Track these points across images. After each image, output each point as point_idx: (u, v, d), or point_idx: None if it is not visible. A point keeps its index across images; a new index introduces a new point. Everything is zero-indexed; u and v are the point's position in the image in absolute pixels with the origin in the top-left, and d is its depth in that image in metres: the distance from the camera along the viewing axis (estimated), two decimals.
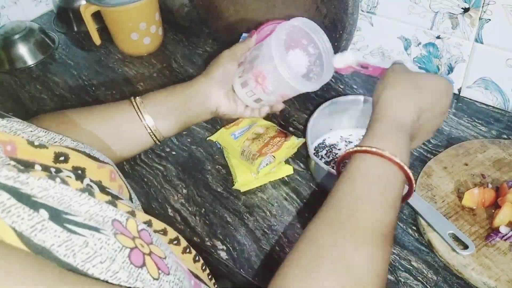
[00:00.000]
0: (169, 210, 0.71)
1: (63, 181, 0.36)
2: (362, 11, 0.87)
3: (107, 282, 0.32)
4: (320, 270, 0.40)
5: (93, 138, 0.61)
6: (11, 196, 0.30)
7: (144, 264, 0.35)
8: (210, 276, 0.53)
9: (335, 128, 0.78)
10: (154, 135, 0.65)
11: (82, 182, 0.42)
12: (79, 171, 0.45)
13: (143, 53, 1.03)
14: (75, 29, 1.14)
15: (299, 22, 0.65)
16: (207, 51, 1.04)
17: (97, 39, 1.01)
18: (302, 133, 0.81)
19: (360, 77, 0.92)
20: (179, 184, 0.75)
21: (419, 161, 0.74)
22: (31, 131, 0.45)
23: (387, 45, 0.89)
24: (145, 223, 0.44)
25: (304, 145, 0.74)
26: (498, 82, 0.80)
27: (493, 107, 0.83)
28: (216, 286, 0.54)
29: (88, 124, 0.61)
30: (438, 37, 0.81)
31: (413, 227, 0.65)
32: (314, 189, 0.72)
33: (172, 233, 0.48)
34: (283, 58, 0.62)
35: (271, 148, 0.72)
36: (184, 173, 0.77)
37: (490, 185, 0.67)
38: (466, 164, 0.71)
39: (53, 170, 0.40)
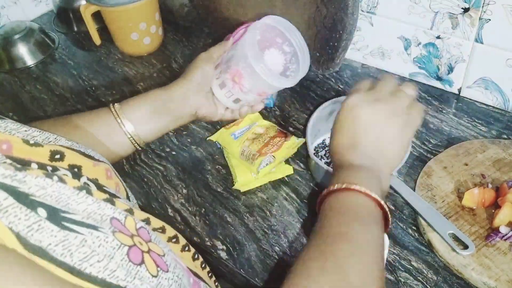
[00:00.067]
0: (169, 210, 0.71)
1: (61, 180, 0.36)
2: (362, 11, 0.87)
3: (104, 280, 0.32)
4: None
5: None
6: (9, 195, 0.30)
7: (142, 262, 0.35)
8: (210, 274, 0.53)
9: None
10: (135, 141, 0.65)
11: (79, 180, 0.42)
12: (75, 169, 0.45)
13: (143, 53, 1.03)
14: (75, 29, 1.14)
15: (271, 20, 0.66)
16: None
17: (97, 39, 1.01)
18: (302, 133, 0.81)
19: (360, 77, 0.92)
20: (179, 184, 0.75)
21: (419, 161, 0.74)
22: (26, 131, 0.45)
23: (387, 45, 0.89)
24: (143, 221, 0.44)
25: (304, 145, 0.74)
26: (498, 82, 0.80)
27: (493, 107, 0.83)
28: (216, 284, 0.54)
29: (65, 132, 0.61)
30: (438, 37, 0.81)
31: (413, 227, 0.65)
32: (314, 189, 0.72)
33: (170, 231, 0.48)
34: (257, 55, 0.62)
35: (271, 148, 0.72)
36: (184, 173, 0.77)
37: (490, 185, 0.67)
38: (466, 164, 0.71)
39: (49, 168, 0.40)
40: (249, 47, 0.62)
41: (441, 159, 0.72)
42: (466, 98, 0.85)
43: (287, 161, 0.75)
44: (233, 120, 0.77)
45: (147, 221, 0.45)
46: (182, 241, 0.49)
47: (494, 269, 0.58)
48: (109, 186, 0.46)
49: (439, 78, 0.87)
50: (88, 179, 0.43)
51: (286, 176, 0.74)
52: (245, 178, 0.72)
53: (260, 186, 0.73)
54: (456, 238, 0.60)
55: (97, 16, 0.98)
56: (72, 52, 1.08)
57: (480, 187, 0.65)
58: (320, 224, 0.47)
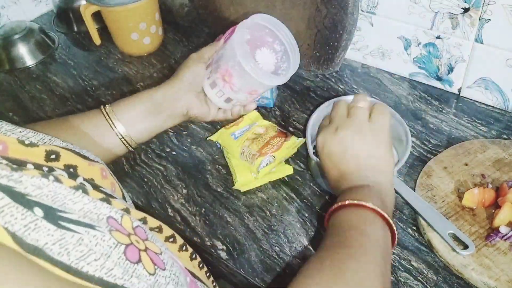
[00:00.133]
0: (169, 210, 0.71)
1: (57, 179, 0.36)
2: (362, 11, 0.87)
3: (102, 279, 0.32)
4: None
5: None
6: (5, 195, 0.30)
7: (139, 260, 0.35)
8: (208, 274, 0.53)
9: None
10: (127, 142, 0.65)
11: (75, 180, 0.42)
12: (71, 169, 0.45)
13: (143, 53, 1.03)
14: (75, 29, 1.14)
15: (259, 19, 0.66)
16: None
17: (97, 39, 1.01)
18: (302, 133, 0.81)
19: (360, 77, 0.92)
20: (179, 184, 0.75)
21: (419, 161, 0.74)
22: (21, 132, 0.45)
23: (387, 45, 0.89)
24: (140, 220, 0.44)
25: (304, 145, 0.74)
26: (498, 82, 0.80)
27: (493, 107, 0.83)
28: (214, 284, 0.54)
29: (59, 134, 0.61)
30: (438, 37, 0.81)
31: (413, 227, 0.65)
32: (314, 189, 0.72)
33: (167, 231, 0.48)
34: (246, 53, 0.62)
35: (271, 148, 0.72)
36: (184, 173, 0.77)
37: (490, 185, 0.67)
38: (466, 164, 0.71)
39: (45, 169, 0.40)
40: (237, 46, 0.62)
41: (441, 159, 0.72)
42: (466, 98, 0.85)
43: (287, 161, 0.75)
44: (227, 120, 0.76)
45: (143, 221, 0.45)
46: (180, 240, 0.49)
47: (494, 269, 0.58)
48: (104, 186, 0.46)
49: (439, 78, 0.87)
50: (84, 179, 0.43)
51: (286, 176, 0.74)
52: (245, 178, 0.72)
53: (260, 186, 0.73)
54: (456, 238, 0.60)
55: (97, 16, 0.98)
56: (72, 52, 1.08)
57: (480, 187, 0.65)
58: (324, 239, 0.50)
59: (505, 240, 0.60)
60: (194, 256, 0.51)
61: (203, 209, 0.71)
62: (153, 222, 0.46)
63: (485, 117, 0.81)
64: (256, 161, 0.70)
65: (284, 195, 0.72)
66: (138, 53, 1.03)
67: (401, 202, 0.68)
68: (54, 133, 0.58)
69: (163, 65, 1.01)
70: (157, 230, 0.46)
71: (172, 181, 0.76)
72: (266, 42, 0.69)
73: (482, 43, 0.77)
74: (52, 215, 0.32)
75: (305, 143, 0.73)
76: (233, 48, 0.62)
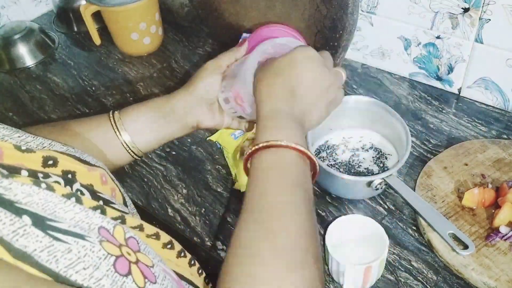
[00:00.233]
0: (169, 210, 0.71)
1: (49, 187, 0.35)
2: (362, 11, 0.87)
3: None
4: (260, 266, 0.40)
5: None
6: None
7: (129, 273, 0.34)
8: (207, 280, 0.53)
9: (335, 128, 0.78)
10: (132, 151, 0.63)
11: (71, 187, 0.42)
12: (69, 175, 0.44)
13: (143, 53, 1.03)
14: (75, 29, 1.14)
15: (283, 41, 0.61)
16: (207, 51, 1.04)
17: (97, 39, 1.01)
18: None
19: (360, 77, 0.92)
20: (179, 184, 0.75)
21: (419, 161, 0.74)
22: (19, 137, 0.44)
23: (387, 45, 0.89)
24: (136, 227, 0.43)
25: None
26: (498, 82, 0.80)
27: (493, 107, 0.83)
28: None
29: (64, 139, 0.60)
30: (438, 37, 0.81)
31: (413, 227, 0.65)
32: (314, 189, 0.72)
33: (165, 237, 0.47)
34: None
35: None
36: (184, 173, 0.77)
37: (490, 185, 0.67)
38: (466, 164, 0.71)
39: (40, 175, 0.40)
40: (249, 76, 0.58)
41: (441, 159, 0.72)
42: (466, 98, 0.85)
43: None
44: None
45: (140, 228, 0.44)
46: (178, 247, 0.49)
47: (494, 269, 0.58)
48: (104, 192, 0.46)
49: (439, 78, 0.87)
50: (81, 185, 0.43)
51: None
52: (245, 178, 0.72)
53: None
54: (456, 238, 0.60)
55: (97, 16, 0.98)
56: (72, 52, 1.08)
57: (480, 187, 0.65)
58: (248, 189, 0.48)
59: (505, 240, 0.60)
60: (193, 262, 0.50)
61: (203, 209, 0.71)
62: (150, 229, 0.45)
63: (485, 117, 0.81)
64: None
65: None
66: (138, 53, 1.03)
67: (401, 202, 0.68)
68: (60, 137, 0.57)
69: (163, 65, 1.01)
70: (154, 237, 0.46)
71: (172, 181, 0.76)
72: None
73: (482, 43, 0.77)
74: (41, 223, 0.31)
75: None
76: (244, 76, 0.58)
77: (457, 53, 0.81)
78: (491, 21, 0.74)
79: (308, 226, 0.44)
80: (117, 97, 0.94)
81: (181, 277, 0.46)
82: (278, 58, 0.55)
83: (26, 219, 0.31)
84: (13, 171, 0.37)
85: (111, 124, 0.63)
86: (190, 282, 0.47)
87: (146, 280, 0.36)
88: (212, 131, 0.81)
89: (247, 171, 0.51)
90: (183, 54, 1.04)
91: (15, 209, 0.31)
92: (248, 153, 0.50)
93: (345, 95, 0.80)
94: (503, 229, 0.61)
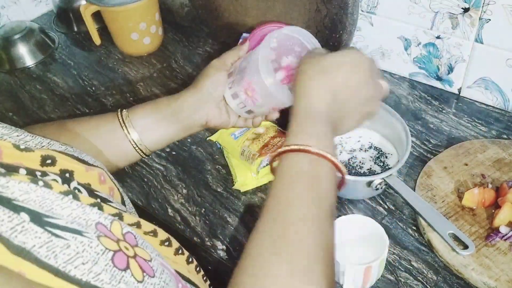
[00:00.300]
0: (169, 210, 0.71)
1: (46, 184, 0.35)
2: (362, 11, 0.87)
3: (89, 283, 0.31)
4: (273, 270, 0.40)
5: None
6: None
7: (128, 267, 0.34)
8: (205, 278, 0.53)
9: None
10: (140, 149, 0.63)
11: (69, 185, 0.42)
12: (67, 174, 0.44)
13: (143, 53, 1.03)
14: (75, 29, 1.14)
15: (288, 31, 0.62)
16: (207, 51, 1.04)
17: (97, 39, 1.01)
18: None
19: None
20: (179, 184, 0.75)
21: (419, 161, 0.74)
22: (18, 136, 0.45)
23: (387, 45, 0.89)
24: (133, 225, 0.43)
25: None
26: (498, 82, 0.80)
27: (493, 107, 0.83)
28: (211, 287, 0.54)
29: (71, 136, 0.60)
30: (438, 37, 0.81)
31: (413, 227, 0.65)
32: None
33: (162, 235, 0.47)
34: (270, 72, 0.59)
35: (271, 148, 0.72)
36: (184, 173, 0.77)
37: (490, 185, 0.67)
38: (466, 164, 0.71)
39: (38, 173, 0.40)
40: (262, 64, 0.58)
41: (441, 159, 0.72)
42: (466, 98, 0.85)
43: None
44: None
45: (137, 225, 0.44)
46: (175, 244, 0.49)
47: (494, 269, 0.58)
48: (101, 191, 0.46)
49: (439, 78, 0.87)
50: (79, 183, 0.43)
51: None
52: (245, 178, 0.72)
53: (260, 186, 0.73)
54: (456, 238, 0.60)
55: (97, 16, 0.98)
56: (72, 52, 1.08)
57: (480, 187, 0.65)
58: (273, 189, 0.46)
59: (505, 240, 0.60)
60: (190, 259, 0.50)
61: (203, 209, 0.71)
62: (147, 226, 0.45)
63: (485, 117, 0.81)
64: (256, 161, 0.70)
65: None
66: (138, 53, 1.03)
67: (401, 202, 0.68)
68: (64, 137, 0.57)
69: (163, 65, 1.01)
70: (151, 234, 0.46)
71: (172, 181, 0.76)
72: (293, 51, 0.63)
73: (482, 43, 0.77)
74: (39, 220, 0.32)
75: None
76: (257, 65, 0.58)
77: (457, 53, 0.81)
78: (491, 21, 0.74)
79: (326, 244, 0.42)
80: (117, 97, 0.94)
81: (179, 274, 0.46)
82: (327, 55, 0.52)
83: (24, 216, 0.31)
84: (11, 169, 0.38)
85: (119, 122, 0.63)
86: (187, 279, 0.47)
87: (145, 274, 0.36)
88: (212, 131, 0.81)
89: (273, 170, 0.49)
90: (183, 54, 1.04)
91: (13, 206, 0.31)
92: (276, 153, 0.48)
93: None
94: (503, 229, 0.61)
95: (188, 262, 0.50)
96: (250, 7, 0.90)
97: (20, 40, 1.03)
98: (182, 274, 0.46)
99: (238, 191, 0.73)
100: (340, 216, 0.62)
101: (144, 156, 0.65)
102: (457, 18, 0.77)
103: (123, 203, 0.52)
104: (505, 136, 0.77)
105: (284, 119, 0.83)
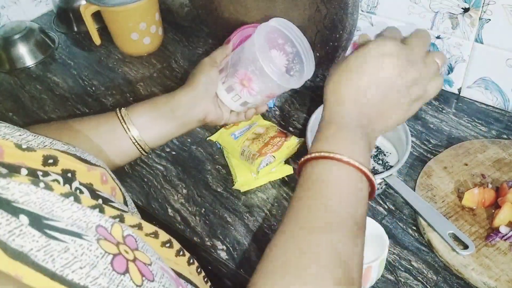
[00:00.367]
0: (169, 210, 0.71)
1: (47, 186, 0.35)
2: (362, 11, 0.87)
3: (87, 287, 0.31)
4: (286, 277, 0.40)
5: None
6: None
7: (127, 271, 0.34)
8: (206, 279, 0.53)
9: None
10: (140, 146, 0.65)
11: (70, 185, 0.42)
12: (69, 174, 0.44)
13: (143, 53, 1.03)
14: (75, 29, 1.14)
15: (275, 23, 0.65)
16: (207, 51, 1.04)
17: (97, 39, 1.01)
18: (302, 133, 0.81)
19: None
20: (179, 184, 0.75)
21: (419, 161, 0.74)
22: (20, 135, 0.45)
23: None
24: (134, 226, 0.43)
25: (304, 145, 0.74)
26: (498, 82, 0.80)
27: (493, 107, 0.83)
28: None
29: (69, 138, 0.61)
30: (438, 37, 0.81)
31: (413, 227, 0.65)
32: None
33: (164, 236, 0.47)
34: (268, 57, 0.62)
35: (271, 148, 0.72)
36: (184, 173, 0.77)
37: (490, 185, 0.67)
38: (466, 164, 0.71)
39: (40, 173, 0.40)
40: (259, 50, 0.61)
41: (441, 159, 0.72)
42: (466, 98, 0.85)
43: (287, 161, 0.75)
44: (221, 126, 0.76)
45: (138, 227, 0.44)
46: (176, 245, 0.49)
47: (494, 269, 0.58)
48: (104, 191, 0.46)
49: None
50: (80, 184, 0.43)
51: (286, 176, 0.74)
52: (245, 178, 0.72)
53: (260, 186, 0.73)
54: (456, 238, 0.60)
55: (97, 16, 0.98)
56: (72, 52, 1.08)
57: (480, 187, 0.65)
58: (295, 195, 0.46)
59: (505, 240, 0.60)
60: (191, 261, 0.50)
61: (203, 209, 0.71)
62: (148, 227, 0.45)
63: (485, 117, 0.81)
64: (256, 161, 0.70)
65: (284, 195, 0.72)
66: (138, 53, 1.03)
67: (401, 202, 0.68)
68: (65, 136, 0.57)
69: (163, 65, 1.01)
70: (153, 236, 0.46)
71: (172, 181, 0.76)
72: (277, 44, 0.68)
73: (482, 43, 0.77)
74: (38, 222, 0.31)
75: (305, 143, 0.73)
76: (254, 53, 0.62)
77: (457, 53, 0.81)
78: (491, 21, 0.74)
79: (347, 252, 0.41)
80: (117, 97, 0.94)
81: (180, 275, 0.46)
82: (351, 57, 0.49)
83: (23, 218, 0.31)
84: (13, 169, 0.37)
85: (119, 119, 0.64)
86: (189, 281, 0.47)
87: (144, 278, 0.36)
88: (212, 131, 0.81)
89: (299, 172, 0.49)
90: (183, 54, 1.04)
91: (12, 209, 0.31)
92: (304, 159, 0.47)
93: None
94: (503, 229, 0.61)
95: (189, 264, 0.50)
96: (250, 7, 0.90)
97: (20, 40, 1.03)
98: (183, 275, 0.46)
99: (238, 191, 0.73)
100: None
101: (144, 153, 0.66)
102: (457, 18, 0.77)
103: (125, 203, 0.52)
104: (505, 136, 0.77)
105: (283, 119, 0.84)
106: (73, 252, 0.32)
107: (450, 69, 0.84)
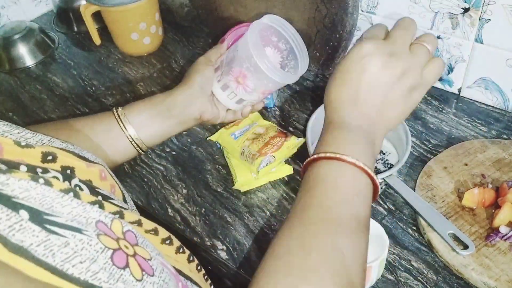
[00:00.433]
0: (169, 210, 0.71)
1: (46, 182, 0.36)
2: (362, 11, 0.87)
3: (87, 282, 0.31)
4: (288, 277, 0.40)
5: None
6: None
7: (127, 266, 0.34)
8: (206, 277, 0.53)
9: None
10: (137, 145, 0.66)
11: (70, 182, 0.42)
12: (68, 171, 0.44)
13: (143, 53, 1.03)
14: (75, 29, 1.14)
15: (268, 20, 0.66)
16: (207, 51, 1.04)
17: (97, 39, 1.01)
18: (302, 133, 0.81)
19: None
20: (179, 184, 0.75)
21: (419, 161, 0.74)
22: (19, 133, 0.45)
23: None
24: (134, 223, 0.43)
25: (304, 145, 0.74)
26: (498, 82, 0.80)
27: (493, 107, 0.83)
28: (212, 286, 0.54)
29: (66, 136, 0.60)
30: (438, 37, 0.81)
31: (413, 227, 0.65)
32: None
33: (163, 233, 0.47)
34: (262, 54, 0.63)
35: (271, 148, 0.72)
36: (184, 173, 0.77)
37: (490, 185, 0.67)
38: (466, 164, 0.71)
39: (39, 170, 0.40)
40: (253, 47, 0.62)
41: (441, 159, 0.72)
42: (466, 98, 0.85)
43: (287, 161, 0.75)
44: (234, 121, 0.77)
45: (138, 223, 0.44)
46: (176, 242, 0.49)
47: (494, 269, 0.58)
48: (103, 188, 0.46)
49: (439, 78, 0.87)
50: (80, 180, 0.43)
51: (286, 176, 0.74)
52: (245, 178, 0.72)
53: (260, 186, 0.73)
54: (456, 238, 0.60)
55: (97, 16, 0.98)
56: (72, 52, 1.08)
57: (480, 187, 0.65)
58: (299, 196, 0.46)
59: (505, 240, 0.60)
60: (191, 258, 0.51)
61: (203, 209, 0.71)
62: (148, 224, 0.46)
63: (485, 117, 0.81)
64: (256, 161, 0.70)
65: (284, 195, 0.72)
66: (138, 53, 1.03)
67: (401, 202, 0.68)
68: (62, 135, 0.58)
69: (163, 65, 1.01)
70: (152, 232, 0.46)
71: (172, 181, 0.76)
72: (270, 42, 0.69)
73: (482, 43, 0.77)
74: (38, 218, 0.32)
75: (305, 143, 0.73)
76: (248, 49, 0.62)
77: (457, 53, 0.81)
78: (491, 21, 0.74)
79: (351, 255, 0.41)
80: (117, 97, 0.94)
81: (180, 273, 0.46)
82: (341, 63, 0.50)
83: (23, 213, 0.31)
84: (12, 166, 0.38)
85: (116, 118, 0.65)
86: (189, 278, 0.47)
87: (144, 272, 0.36)
88: (212, 131, 0.81)
89: (303, 176, 0.49)
90: (183, 54, 1.04)
91: (12, 204, 0.31)
92: (309, 160, 0.47)
93: None
94: (503, 229, 0.61)
95: (189, 261, 0.50)
96: (250, 7, 0.90)
97: (20, 40, 1.03)
98: (183, 272, 0.46)
99: (238, 191, 0.73)
100: None
101: (142, 152, 0.67)
102: (457, 18, 0.77)
103: (124, 200, 0.52)
104: (505, 136, 0.77)
105: (283, 119, 0.84)
106: (73, 246, 0.32)
107: (450, 69, 0.84)
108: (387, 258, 0.61)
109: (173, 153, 0.80)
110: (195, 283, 0.48)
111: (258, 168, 0.70)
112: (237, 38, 0.71)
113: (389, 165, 0.72)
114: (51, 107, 0.93)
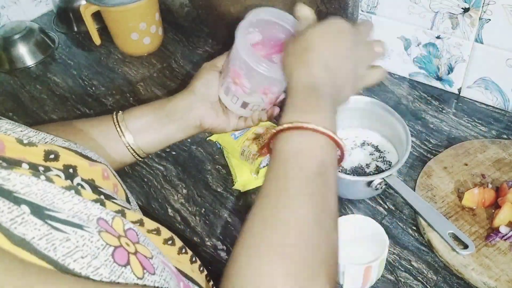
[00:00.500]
0: (169, 210, 0.71)
1: (48, 179, 0.36)
2: (362, 11, 0.87)
3: (88, 277, 0.31)
4: (261, 258, 0.40)
5: None
6: None
7: (128, 263, 0.34)
8: (208, 278, 0.53)
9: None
10: (134, 151, 0.64)
11: (72, 181, 0.42)
12: (70, 170, 0.44)
13: (143, 53, 1.03)
14: (75, 29, 1.14)
15: (263, 14, 0.64)
16: (207, 51, 1.04)
17: (97, 39, 1.01)
18: None
19: None
20: (179, 184, 0.75)
21: (419, 161, 0.74)
22: (21, 131, 0.45)
23: (387, 45, 0.89)
24: (136, 222, 0.43)
25: None
26: (498, 82, 0.80)
27: (493, 107, 0.83)
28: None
29: (70, 135, 0.60)
30: (438, 37, 0.81)
31: (413, 227, 0.65)
32: None
33: (166, 233, 0.47)
34: (248, 48, 0.60)
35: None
36: (184, 173, 0.77)
37: (490, 185, 0.67)
38: (466, 164, 0.71)
39: (41, 168, 0.40)
40: (239, 43, 0.59)
41: (441, 159, 0.72)
42: (466, 98, 0.85)
43: None
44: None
45: (140, 223, 0.44)
46: (179, 243, 0.49)
47: (494, 269, 0.58)
48: (105, 187, 0.46)
49: (439, 78, 0.87)
50: (82, 179, 0.43)
51: None
52: (245, 178, 0.72)
53: (260, 186, 0.73)
54: (456, 238, 0.61)
55: (97, 16, 0.98)
56: (72, 52, 1.08)
57: (480, 187, 0.65)
58: (266, 172, 0.46)
59: (505, 240, 0.60)
60: (194, 259, 0.50)
61: (203, 209, 0.71)
62: (150, 224, 0.45)
63: (485, 117, 0.81)
64: (256, 161, 0.70)
65: None
66: (138, 53, 1.03)
67: (401, 202, 0.68)
68: (63, 135, 0.57)
69: (163, 65, 1.01)
70: (155, 232, 0.46)
71: (172, 181, 0.76)
72: (272, 35, 0.64)
73: (482, 43, 0.77)
74: (39, 212, 0.32)
75: None
76: (236, 47, 0.60)
77: (457, 53, 0.81)
78: (491, 21, 0.74)
79: (322, 218, 0.41)
80: (117, 97, 0.94)
81: (182, 273, 0.46)
82: (307, 32, 0.52)
83: (25, 208, 0.31)
84: (14, 164, 0.38)
85: (114, 124, 0.63)
86: (191, 279, 0.47)
87: (145, 271, 0.36)
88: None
89: (269, 151, 0.48)
90: (183, 54, 1.04)
91: (14, 199, 0.31)
92: (273, 133, 0.47)
93: None
94: (503, 229, 0.61)
95: (191, 262, 0.50)
96: (250, 7, 0.89)
97: (20, 40, 1.03)
98: (185, 273, 0.46)
99: (238, 191, 0.73)
100: (340, 216, 0.62)
101: (140, 158, 0.65)
102: (457, 18, 0.77)
103: (127, 200, 0.52)
104: (505, 136, 0.77)
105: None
106: (74, 242, 0.32)
107: (450, 69, 0.84)
108: (387, 258, 0.61)
109: (173, 153, 0.80)
110: (198, 284, 0.47)
111: (258, 168, 0.70)
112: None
113: (388, 168, 0.72)
114: (51, 107, 0.93)
